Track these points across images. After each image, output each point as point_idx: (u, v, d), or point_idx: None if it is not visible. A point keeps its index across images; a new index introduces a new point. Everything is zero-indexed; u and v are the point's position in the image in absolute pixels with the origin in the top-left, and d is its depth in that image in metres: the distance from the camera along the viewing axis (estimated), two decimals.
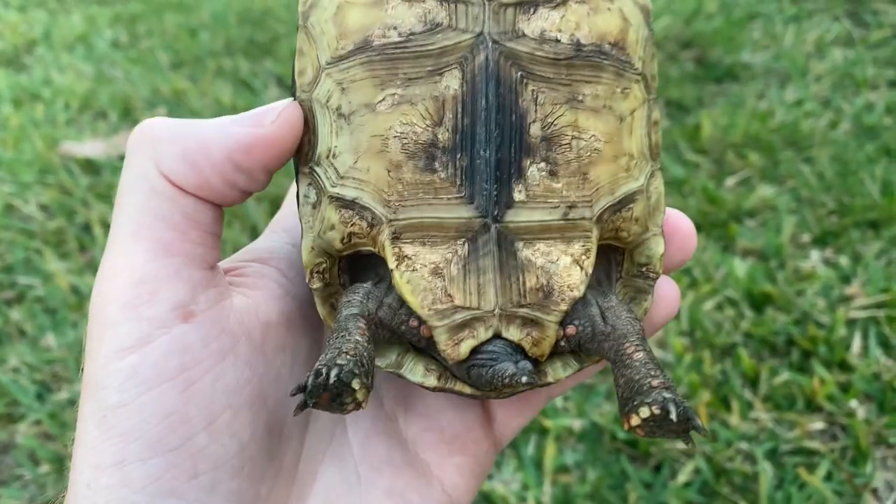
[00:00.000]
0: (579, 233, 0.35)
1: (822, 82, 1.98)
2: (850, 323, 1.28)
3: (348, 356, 0.30)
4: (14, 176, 1.81)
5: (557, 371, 0.38)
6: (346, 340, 0.32)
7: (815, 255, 1.43)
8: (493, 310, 0.35)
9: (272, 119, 0.29)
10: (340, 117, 0.33)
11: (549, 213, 0.35)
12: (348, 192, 0.34)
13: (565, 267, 0.35)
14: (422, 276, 0.34)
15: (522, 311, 0.35)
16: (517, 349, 0.35)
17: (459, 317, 0.34)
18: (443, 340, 0.34)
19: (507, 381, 0.33)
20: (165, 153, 0.27)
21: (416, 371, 0.37)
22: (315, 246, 0.35)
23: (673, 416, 0.33)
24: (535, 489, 1.10)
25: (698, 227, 1.51)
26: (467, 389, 0.36)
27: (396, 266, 0.34)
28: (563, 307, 0.35)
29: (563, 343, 0.37)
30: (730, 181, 1.64)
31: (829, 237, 1.47)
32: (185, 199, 0.28)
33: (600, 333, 0.36)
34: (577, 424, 1.18)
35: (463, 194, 0.34)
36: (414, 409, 0.39)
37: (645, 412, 0.33)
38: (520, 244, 0.34)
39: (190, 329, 0.29)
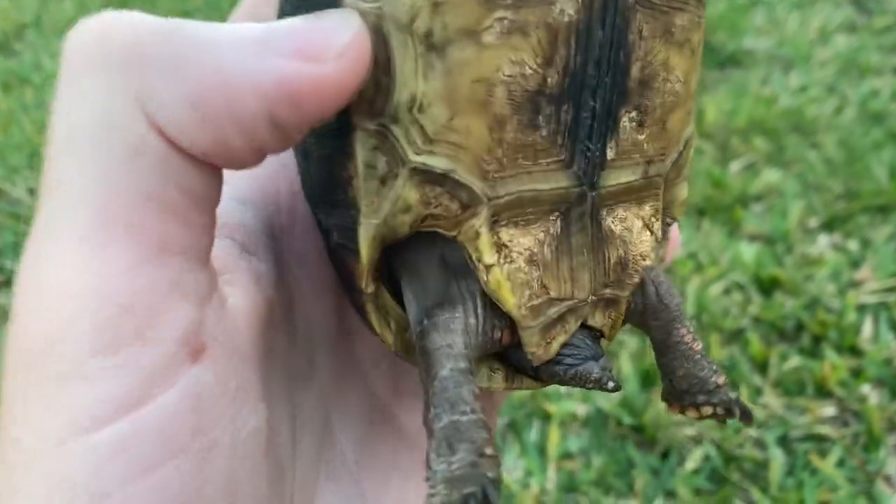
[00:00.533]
0: (651, 192, 0.29)
1: (827, 68, 1.96)
2: (861, 308, 1.25)
3: (491, 459, 0.22)
4: (3, 160, 1.77)
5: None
6: (474, 423, 0.23)
7: (822, 239, 1.40)
8: (587, 297, 0.28)
9: (339, 51, 0.18)
10: (431, 49, 0.23)
11: (633, 173, 0.28)
12: (439, 163, 0.24)
13: (638, 232, 0.29)
14: (519, 269, 0.26)
15: (607, 291, 0.29)
16: (594, 336, 0.30)
17: (554, 311, 0.27)
18: (534, 342, 0.27)
19: (591, 385, 0.27)
20: (162, 93, 0.17)
21: (481, 376, 0.29)
22: (378, 235, 0.25)
23: (736, 416, 0.30)
24: (538, 475, 1.07)
25: (703, 212, 1.48)
26: (533, 384, 0.30)
27: (497, 261, 0.26)
28: (636, 279, 0.29)
29: None
30: (735, 166, 1.61)
31: (837, 222, 1.44)
32: (186, 166, 0.18)
33: (652, 310, 0.31)
34: (581, 410, 1.15)
35: (563, 157, 0.25)
36: (409, 391, 0.31)
37: (708, 410, 0.30)
38: (604, 212, 0.28)
39: (202, 371, 0.19)
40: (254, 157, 0.20)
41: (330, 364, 0.29)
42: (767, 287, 1.30)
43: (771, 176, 1.56)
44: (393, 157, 0.23)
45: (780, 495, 1.01)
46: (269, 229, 0.26)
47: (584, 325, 0.29)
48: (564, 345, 0.28)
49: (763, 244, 1.40)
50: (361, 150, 0.24)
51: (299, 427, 0.27)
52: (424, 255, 0.28)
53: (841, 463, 1.05)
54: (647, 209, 0.29)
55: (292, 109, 0.18)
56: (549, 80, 0.24)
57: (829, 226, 1.44)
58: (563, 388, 1.19)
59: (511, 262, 0.26)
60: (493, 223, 0.25)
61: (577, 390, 1.19)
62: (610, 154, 0.26)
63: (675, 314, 0.31)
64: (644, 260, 0.29)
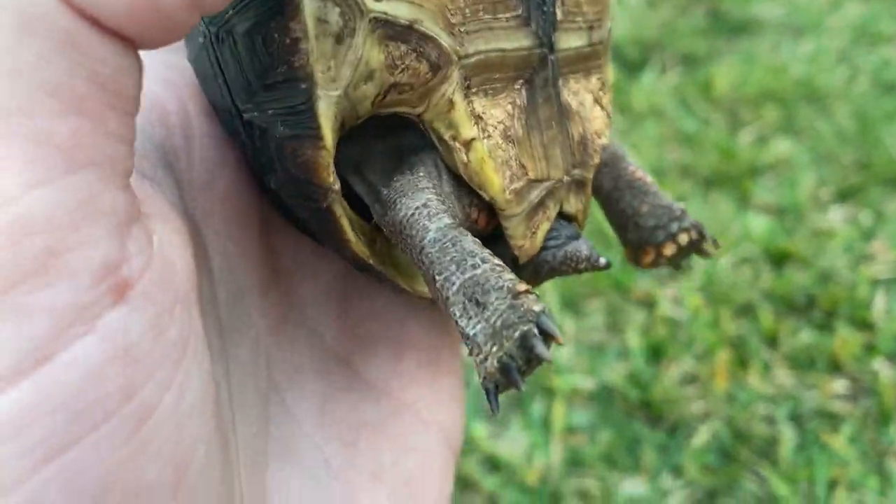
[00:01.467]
0: (595, 62, 0.27)
1: (839, 36, 1.91)
2: (873, 282, 1.22)
3: (528, 294, 0.20)
4: None
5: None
6: (492, 270, 0.20)
7: (835, 211, 1.37)
8: (562, 177, 0.26)
9: None
10: None
11: (580, 37, 0.26)
12: (402, 11, 0.20)
13: (590, 108, 0.27)
14: (497, 145, 0.23)
15: (576, 171, 0.27)
16: (569, 222, 0.27)
17: (535, 195, 0.25)
18: (520, 234, 0.25)
19: (582, 265, 0.25)
20: None
21: None
22: (339, 111, 0.21)
23: (708, 238, 0.29)
24: (542, 450, 1.04)
25: (712, 183, 1.45)
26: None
27: (478, 134, 0.23)
28: (597, 159, 0.28)
29: None
30: (744, 136, 1.58)
31: (849, 194, 1.40)
32: (97, 45, 0.14)
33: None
34: (587, 384, 1.13)
35: (520, 12, 0.23)
36: (367, 335, 0.26)
37: (684, 238, 0.29)
38: (560, 82, 0.25)
39: (129, 312, 0.15)
40: (175, 30, 0.16)
41: (264, 311, 0.24)
42: (778, 260, 1.27)
43: (782, 146, 1.52)
44: (348, 6, 0.20)
45: (790, 472, 0.99)
46: (164, 155, 0.21)
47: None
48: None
49: (774, 216, 1.37)
50: (309, 2, 0.19)
51: (236, 389, 0.22)
52: (379, 150, 0.24)
53: (852, 439, 1.03)
54: (594, 82, 0.27)
55: None
56: None
57: (841, 197, 1.40)
58: (567, 362, 1.17)
59: (489, 138, 0.23)
60: (466, 89, 0.22)
61: (582, 363, 1.16)
62: (559, 14, 0.24)
63: (620, 153, 0.29)
64: (600, 138, 0.27)
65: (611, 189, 0.29)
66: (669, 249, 0.29)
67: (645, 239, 0.29)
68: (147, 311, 0.16)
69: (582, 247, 0.25)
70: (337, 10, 0.20)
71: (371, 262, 0.23)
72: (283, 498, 0.22)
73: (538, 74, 0.24)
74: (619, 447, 1.05)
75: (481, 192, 0.23)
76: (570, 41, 0.25)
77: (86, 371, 0.14)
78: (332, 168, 0.21)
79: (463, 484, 1.02)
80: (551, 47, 0.24)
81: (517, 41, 0.23)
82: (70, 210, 0.14)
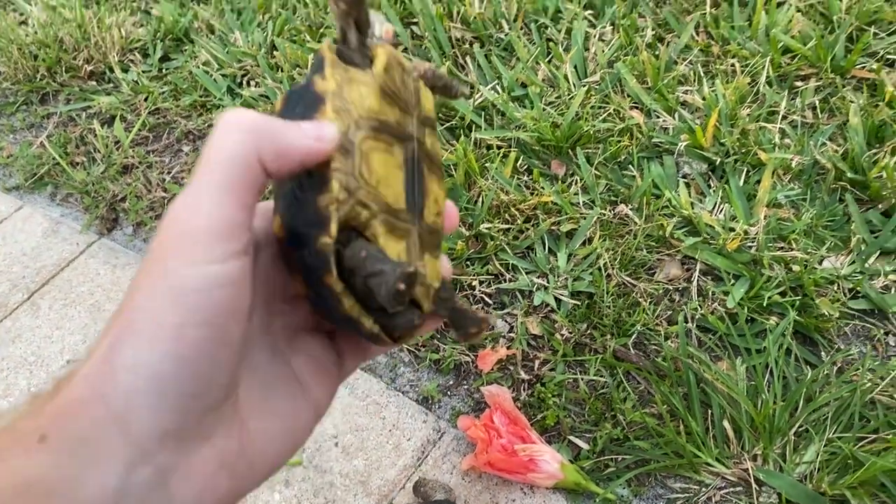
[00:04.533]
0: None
1: None
2: None
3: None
4: None
5: None
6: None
7: None
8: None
9: (329, 138, 0.36)
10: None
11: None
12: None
13: None
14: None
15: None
16: None
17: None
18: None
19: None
20: (265, 146, 0.35)
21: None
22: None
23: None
24: (743, 220, 1.03)
25: None
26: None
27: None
28: None
29: None
30: None
31: None
32: (264, 178, 0.35)
33: None
34: (795, 161, 1.08)
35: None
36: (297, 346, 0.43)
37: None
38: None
39: (248, 262, 0.35)
40: (285, 175, 0.36)
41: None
42: None
43: None
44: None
45: None
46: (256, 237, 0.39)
47: None
48: None
49: None
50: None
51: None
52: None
53: None
54: None
55: (308, 160, 0.35)
56: None
57: None
58: (776, 138, 1.12)
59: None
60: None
61: (790, 141, 1.11)
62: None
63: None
64: None
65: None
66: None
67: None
68: (249, 263, 0.34)
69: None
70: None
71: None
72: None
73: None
74: (824, 224, 1.02)
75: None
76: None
77: (236, 268, 0.33)
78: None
79: (658, 241, 1.03)
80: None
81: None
82: (246, 226, 0.34)
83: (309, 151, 0.36)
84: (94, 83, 1.50)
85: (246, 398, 0.39)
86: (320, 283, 0.37)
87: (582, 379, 0.93)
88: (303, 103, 0.38)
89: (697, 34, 1.29)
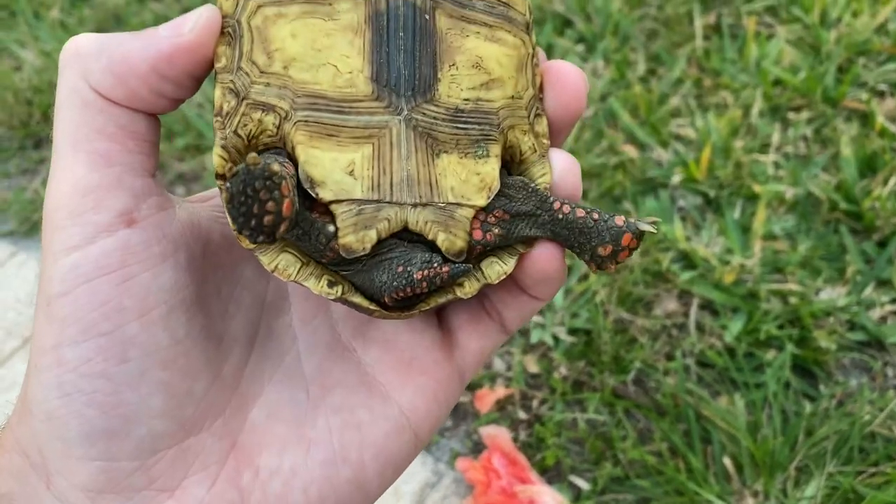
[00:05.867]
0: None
1: None
2: None
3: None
4: None
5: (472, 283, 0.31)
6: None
7: None
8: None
9: (190, 27, 0.28)
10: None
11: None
12: None
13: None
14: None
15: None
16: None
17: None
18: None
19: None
20: (93, 68, 0.28)
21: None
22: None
23: (642, 228, 0.31)
24: (739, 253, 1.03)
25: None
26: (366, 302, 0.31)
27: None
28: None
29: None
30: None
31: None
32: (117, 111, 0.29)
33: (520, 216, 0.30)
34: (789, 193, 1.09)
35: None
36: (372, 337, 0.35)
37: (634, 243, 0.31)
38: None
39: (133, 233, 0.29)
40: (163, 102, 0.30)
41: (302, 314, 0.37)
42: None
43: None
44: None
45: None
46: None
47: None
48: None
49: None
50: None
51: (262, 336, 0.35)
52: None
53: None
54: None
55: (169, 65, 0.28)
56: None
57: None
58: (769, 170, 1.13)
59: None
60: None
61: (784, 172, 1.12)
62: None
63: (540, 196, 0.30)
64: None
65: (556, 233, 0.30)
66: (622, 256, 0.30)
67: (599, 260, 0.30)
68: (144, 235, 0.29)
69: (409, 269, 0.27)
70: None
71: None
72: (270, 399, 0.34)
73: None
74: (820, 255, 1.02)
75: None
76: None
77: (105, 251, 0.28)
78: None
79: (655, 276, 1.03)
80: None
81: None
82: (109, 182, 0.29)
83: (160, 54, 0.28)
84: None
85: (261, 422, 0.33)
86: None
87: (581, 417, 0.93)
88: None
89: (689, 67, 1.30)
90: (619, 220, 0.31)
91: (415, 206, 0.28)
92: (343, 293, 0.30)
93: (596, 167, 1.16)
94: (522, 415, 0.94)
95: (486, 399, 0.95)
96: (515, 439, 0.92)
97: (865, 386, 0.90)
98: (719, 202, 1.10)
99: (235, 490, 0.31)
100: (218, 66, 0.28)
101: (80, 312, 0.28)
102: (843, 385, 0.91)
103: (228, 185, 0.24)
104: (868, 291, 0.98)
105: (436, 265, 0.28)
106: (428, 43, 0.27)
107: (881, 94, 1.19)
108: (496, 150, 0.29)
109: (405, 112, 0.27)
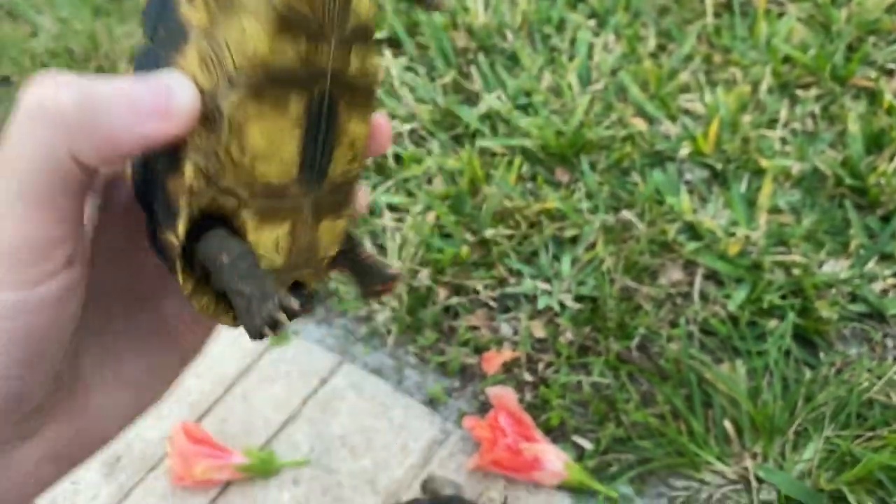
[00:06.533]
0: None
1: None
2: None
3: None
4: None
5: None
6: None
7: None
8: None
9: (177, 111, 0.27)
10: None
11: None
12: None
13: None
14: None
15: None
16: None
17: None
18: None
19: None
20: (77, 138, 0.26)
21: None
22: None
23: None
24: (744, 225, 1.05)
25: None
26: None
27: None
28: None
29: None
30: None
31: None
32: (87, 174, 0.27)
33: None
34: (795, 168, 1.10)
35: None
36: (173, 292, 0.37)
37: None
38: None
39: (72, 272, 0.29)
40: (120, 165, 0.31)
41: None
42: None
43: None
44: None
45: None
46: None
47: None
48: None
49: None
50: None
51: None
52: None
53: None
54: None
55: (150, 144, 0.27)
56: None
57: None
58: (777, 146, 1.14)
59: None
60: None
61: (791, 148, 1.13)
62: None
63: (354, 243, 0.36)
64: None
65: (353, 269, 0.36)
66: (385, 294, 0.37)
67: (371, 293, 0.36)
68: (80, 271, 0.29)
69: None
70: None
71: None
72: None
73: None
74: (824, 229, 1.04)
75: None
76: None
77: (40, 300, 0.27)
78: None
79: (661, 246, 1.05)
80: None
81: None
82: (60, 237, 0.27)
83: (146, 138, 0.27)
84: None
85: (91, 373, 0.34)
86: (169, 270, 0.30)
87: (586, 381, 0.95)
88: (162, 31, 0.28)
89: (699, 44, 1.31)
90: (394, 270, 0.37)
91: (306, 265, 0.33)
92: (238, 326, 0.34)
93: (605, 139, 1.18)
94: (528, 377, 0.97)
95: (493, 361, 0.97)
96: (521, 400, 0.94)
97: (865, 355, 0.92)
98: (726, 176, 1.12)
99: (71, 428, 0.33)
100: (191, 143, 0.28)
101: (12, 337, 0.28)
102: (842, 354, 0.93)
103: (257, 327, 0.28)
104: (871, 265, 0.99)
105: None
106: (332, 130, 0.30)
107: (890, 73, 1.20)
108: (349, 210, 0.33)
109: (313, 193, 0.31)
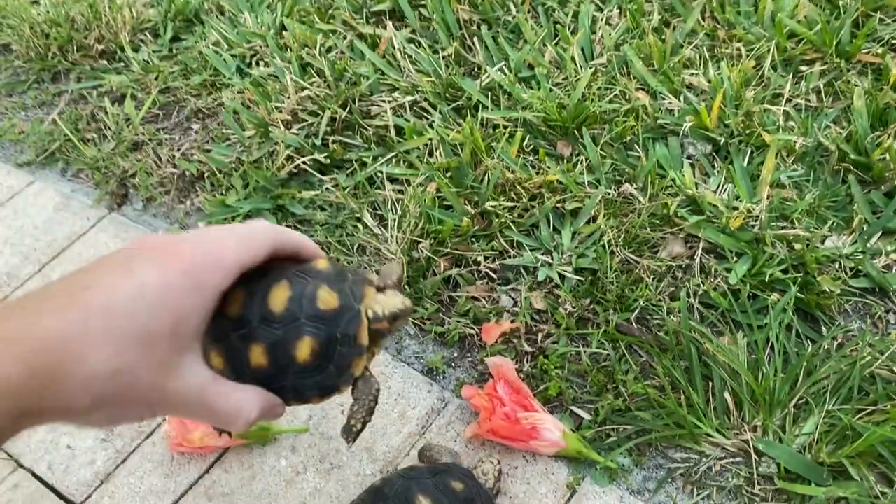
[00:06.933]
0: None
1: None
2: None
3: None
4: None
5: None
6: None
7: None
8: None
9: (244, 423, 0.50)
10: None
11: None
12: None
13: None
14: None
15: None
16: None
17: None
18: None
19: None
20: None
21: None
22: None
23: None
24: (746, 199, 1.04)
25: None
26: None
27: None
28: None
29: None
30: None
31: None
32: None
33: None
34: (799, 143, 1.09)
35: None
36: None
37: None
38: None
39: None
40: None
41: None
42: None
43: None
44: None
45: None
46: None
47: None
48: None
49: None
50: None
51: None
52: None
53: None
54: None
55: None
56: None
57: None
58: (780, 120, 1.13)
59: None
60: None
61: (794, 123, 1.12)
62: None
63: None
64: None
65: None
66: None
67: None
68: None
69: None
70: None
71: None
72: None
73: None
74: (828, 205, 1.03)
75: None
76: None
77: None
78: None
79: (662, 219, 1.04)
80: None
81: None
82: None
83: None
84: (105, 62, 1.52)
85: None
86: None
87: (584, 352, 0.95)
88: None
89: (703, 19, 1.30)
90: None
91: None
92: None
93: (607, 113, 1.17)
94: (527, 347, 0.96)
95: (492, 332, 0.97)
96: (519, 370, 0.94)
97: (867, 330, 0.91)
98: (728, 150, 1.11)
99: None
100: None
101: None
102: (844, 329, 0.92)
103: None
104: (874, 241, 0.99)
105: None
106: None
107: None
108: None
109: None
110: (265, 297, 0.53)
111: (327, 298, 0.54)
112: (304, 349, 0.54)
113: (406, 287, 1.02)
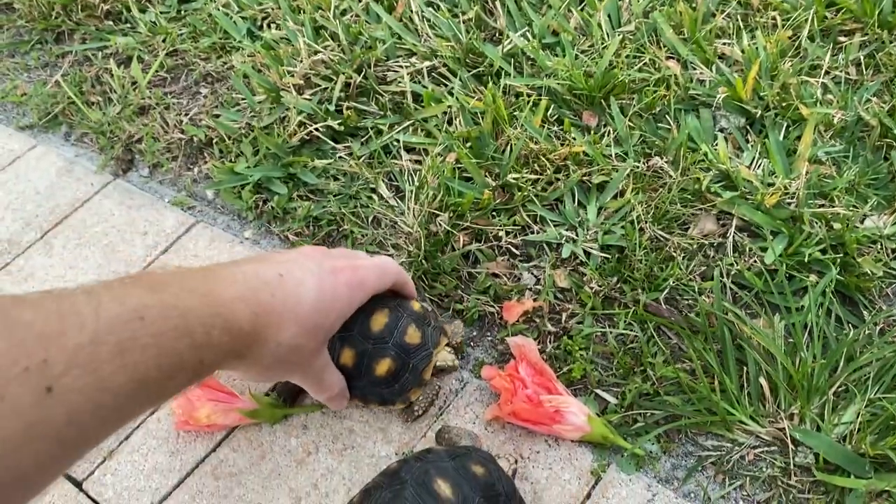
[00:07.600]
0: None
1: None
2: None
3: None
4: None
5: None
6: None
7: None
8: None
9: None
10: None
11: None
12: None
13: None
14: None
15: None
16: None
17: None
18: None
19: None
20: None
21: None
22: None
23: None
24: (783, 175, 0.99)
25: None
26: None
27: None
28: None
29: None
30: None
31: None
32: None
33: None
34: (838, 117, 1.04)
35: None
36: None
37: None
38: None
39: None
40: None
41: None
42: None
43: None
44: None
45: None
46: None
47: None
48: None
49: None
50: None
51: None
52: None
53: None
54: None
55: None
56: None
57: None
58: (818, 93, 1.07)
59: None
60: None
61: (832, 97, 1.07)
62: None
63: None
64: None
65: None
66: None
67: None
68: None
69: None
70: None
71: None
72: None
73: None
74: (867, 182, 0.98)
75: None
76: None
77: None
78: None
79: (693, 195, 0.99)
80: None
81: None
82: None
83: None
84: (110, 23, 1.46)
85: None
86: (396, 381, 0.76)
87: (610, 332, 0.90)
88: None
89: None
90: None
91: None
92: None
93: (636, 82, 1.11)
94: (550, 327, 0.92)
95: (514, 310, 0.92)
96: (542, 351, 0.89)
97: None
98: (763, 123, 1.06)
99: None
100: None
101: None
102: (886, 314, 0.88)
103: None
104: None
105: None
106: None
107: None
108: None
109: None
110: (369, 316, 0.75)
111: (413, 334, 0.77)
112: (383, 366, 0.75)
113: (424, 262, 0.98)
